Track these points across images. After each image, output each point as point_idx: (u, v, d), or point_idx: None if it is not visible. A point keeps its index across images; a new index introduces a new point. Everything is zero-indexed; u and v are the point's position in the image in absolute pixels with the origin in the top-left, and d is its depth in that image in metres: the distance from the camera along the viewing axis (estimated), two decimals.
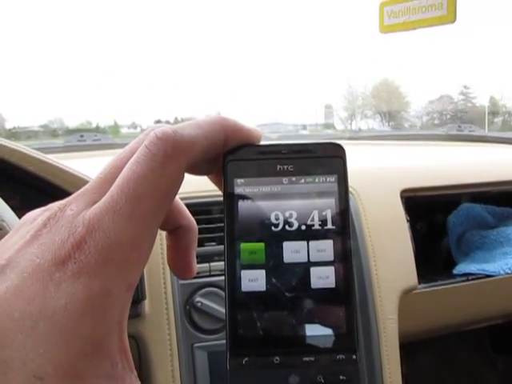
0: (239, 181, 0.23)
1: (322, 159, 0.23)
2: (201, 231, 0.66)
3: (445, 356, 1.23)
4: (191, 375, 0.63)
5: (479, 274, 0.84)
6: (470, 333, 1.16)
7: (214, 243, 0.68)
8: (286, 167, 0.23)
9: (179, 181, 0.20)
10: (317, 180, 0.23)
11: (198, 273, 0.66)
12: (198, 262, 0.74)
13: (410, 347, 0.83)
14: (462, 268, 0.86)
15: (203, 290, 0.64)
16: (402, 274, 0.75)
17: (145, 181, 0.19)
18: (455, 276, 0.85)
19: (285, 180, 0.23)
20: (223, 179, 0.23)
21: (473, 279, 0.84)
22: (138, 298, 0.59)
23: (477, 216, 0.96)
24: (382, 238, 0.75)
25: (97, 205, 0.19)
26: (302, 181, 0.23)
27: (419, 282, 0.77)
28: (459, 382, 1.24)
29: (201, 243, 0.66)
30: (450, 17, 0.81)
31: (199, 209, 0.65)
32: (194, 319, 0.64)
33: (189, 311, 0.64)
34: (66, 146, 1.11)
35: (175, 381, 0.62)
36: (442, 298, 0.83)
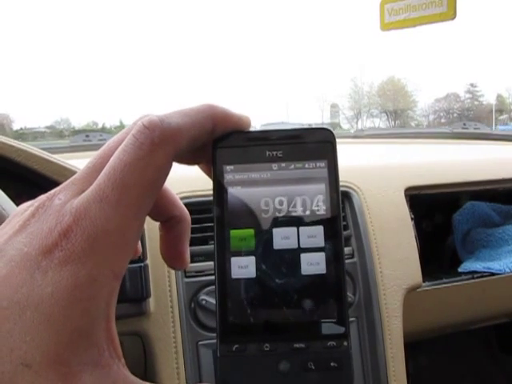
0: (228, 168, 0.23)
1: (311, 145, 0.23)
2: (206, 230, 0.66)
3: (451, 355, 1.22)
4: (196, 373, 0.63)
5: (484, 272, 0.84)
6: (477, 332, 1.15)
7: None
8: (275, 153, 0.23)
9: (167, 169, 0.20)
10: (306, 166, 0.23)
11: (202, 271, 0.66)
12: (202, 261, 0.73)
13: (415, 346, 0.83)
14: (467, 266, 0.86)
15: (208, 288, 0.65)
16: (407, 272, 0.75)
17: (131, 169, 0.19)
18: (460, 274, 0.84)
19: (274, 166, 0.23)
20: (212, 166, 0.23)
21: (478, 277, 0.84)
22: (143, 295, 0.59)
23: (482, 214, 0.96)
24: (387, 236, 0.75)
25: (84, 194, 0.19)
26: (292, 167, 0.23)
27: (424, 280, 0.77)
28: (465, 382, 1.24)
29: (206, 242, 0.67)
30: (450, 14, 0.81)
31: (204, 207, 0.66)
32: (198, 317, 0.64)
33: (194, 309, 0.64)
34: (71, 146, 1.11)
35: (180, 378, 0.62)
36: (446, 296, 0.82)
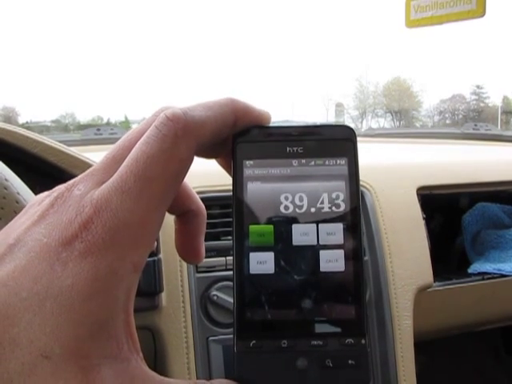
0: (248, 163, 0.23)
1: (332, 142, 0.23)
2: (217, 225, 0.66)
3: (456, 356, 1.22)
4: (206, 368, 0.63)
5: (495, 273, 0.83)
6: (483, 334, 1.15)
7: (230, 237, 0.68)
8: (295, 149, 0.23)
9: (189, 162, 0.20)
10: (327, 162, 0.23)
11: (214, 266, 0.66)
12: (214, 256, 0.74)
13: (422, 346, 0.83)
14: (476, 267, 0.85)
15: (219, 284, 0.65)
16: (418, 272, 0.74)
17: (154, 161, 0.19)
18: (470, 275, 0.84)
19: (294, 162, 0.23)
20: (232, 161, 0.23)
21: (488, 278, 0.83)
22: (156, 290, 0.59)
23: (492, 215, 0.95)
24: (398, 236, 0.75)
25: (105, 185, 0.19)
26: (312, 163, 0.23)
27: (434, 281, 0.77)
28: (471, 383, 1.23)
29: (217, 237, 0.66)
30: (479, 11, 0.79)
31: (216, 203, 0.66)
32: (209, 312, 0.64)
33: (205, 304, 0.64)
34: (82, 140, 1.12)
35: (190, 373, 0.62)
36: (456, 296, 0.82)
